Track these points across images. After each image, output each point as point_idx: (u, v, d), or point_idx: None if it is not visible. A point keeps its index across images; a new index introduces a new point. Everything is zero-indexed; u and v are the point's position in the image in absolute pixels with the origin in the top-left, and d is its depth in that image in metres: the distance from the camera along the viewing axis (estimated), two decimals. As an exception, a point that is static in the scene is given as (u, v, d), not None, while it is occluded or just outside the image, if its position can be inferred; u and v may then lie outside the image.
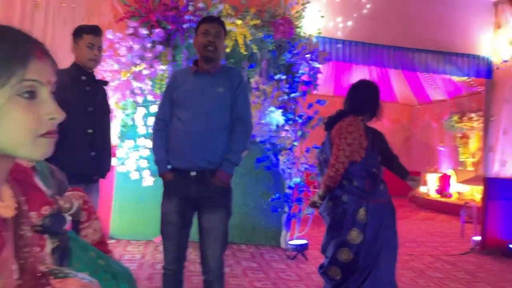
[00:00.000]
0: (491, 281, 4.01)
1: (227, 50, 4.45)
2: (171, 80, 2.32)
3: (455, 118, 9.92)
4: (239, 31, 4.45)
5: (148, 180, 4.27)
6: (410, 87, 10.80)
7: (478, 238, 5.23)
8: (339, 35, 4.98)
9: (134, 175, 4.30)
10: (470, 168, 9.53)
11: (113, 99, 4.20)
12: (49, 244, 1.06)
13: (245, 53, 4.49)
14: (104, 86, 2.63)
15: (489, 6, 5.20)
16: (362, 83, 2.50)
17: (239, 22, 4.40)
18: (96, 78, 2.59)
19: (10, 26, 0.70)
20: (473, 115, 9.37)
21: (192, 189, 2.17)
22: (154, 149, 2.29)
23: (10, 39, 0.69)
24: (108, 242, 4.20)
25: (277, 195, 4.55)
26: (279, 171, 4.63)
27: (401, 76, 10.29)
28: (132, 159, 4.32)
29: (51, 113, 0.70)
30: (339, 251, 2.28)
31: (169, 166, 2.24)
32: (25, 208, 0.78)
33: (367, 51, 5.02)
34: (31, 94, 0.68)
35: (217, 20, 2.23)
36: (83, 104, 2.38)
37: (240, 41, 4.44)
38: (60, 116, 0.71)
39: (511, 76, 5.15)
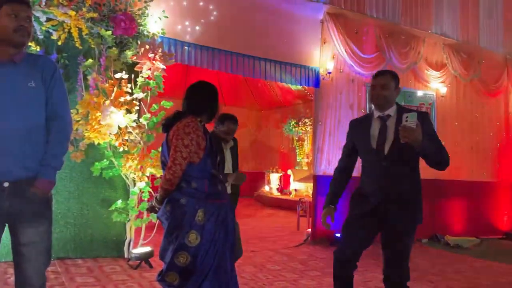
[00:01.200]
0: (320, 267, 4.51)
1: (59, 43, 4.00)
2: None
3: (293, 123, 10.98)
4: (73, 23, 4.04)
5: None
6: (255, 93, 11.52)
7: (310, 230, 5.84)
8: (187, 38, 5.00)
9: None
10: (305, 168, 10.66)
11: None
12: None
13: (80, 47, 4.10)
14: None
15: (317, 23, 5.88)
16: (200, 84, 2.50)
17: (72, 13, 3.99)
18: None
19: None
20: (307, 120, 10.52)
21: (5, 203, 1.84)
22: None
23: None
24: None
25: (120, 202, 4.26)
26: (122, 177, 4.35)
27: (247, 82, 10.90)
28: None
29: None
30: (177, 255, 2.22)
31: None
32: None
33: (212, 55, 5.14)
34: None
35: (27, 3, 1.93)
36: None
37: (75, 34, 4.04)
38: None
39: (334, 86, 5.93)
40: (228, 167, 3.41)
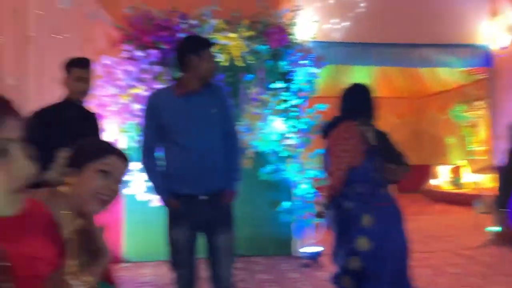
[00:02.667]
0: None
1: (225, 63, 4.42)
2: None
3: (461, 108, 9.80)
4: (233, 44, 4.45)
5: (155, 201, 4.26)
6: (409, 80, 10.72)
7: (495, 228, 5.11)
8: (335, 37, 4.99)
9: (143, 197, 4.28)
10: (481, 157, 9.36)
11: (114, 123, 4.22)
12: None
13: (242, 65, 4.47)
14: (93, 116, 2.63)
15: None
16: (354, 87, 2.46)
17: (232, 35, 4.41)
18: (86, 110, 2.60)
19: None
20: (478, 103, 9.23)
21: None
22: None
23: None
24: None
25: (286, 203, 4.51)
26: (285, 180, 4.60)
27: (395, 70, 10.21)
28: (139, 181, 4.31)
29: (23, 168, 0.71)
30: (349, 260, 2.25)
31: None
32: None
33: (360, 51, 5.01)
34: (3, 152, 0.69)
35: None
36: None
37: (237, 54, 4.43)
38: (31, 170, 0.72)
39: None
40: None
